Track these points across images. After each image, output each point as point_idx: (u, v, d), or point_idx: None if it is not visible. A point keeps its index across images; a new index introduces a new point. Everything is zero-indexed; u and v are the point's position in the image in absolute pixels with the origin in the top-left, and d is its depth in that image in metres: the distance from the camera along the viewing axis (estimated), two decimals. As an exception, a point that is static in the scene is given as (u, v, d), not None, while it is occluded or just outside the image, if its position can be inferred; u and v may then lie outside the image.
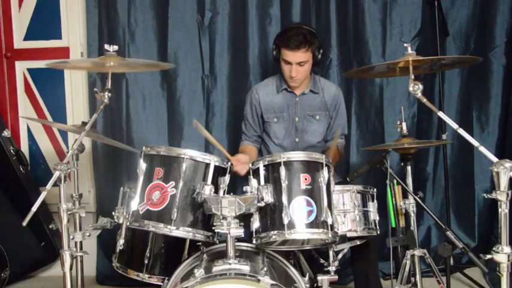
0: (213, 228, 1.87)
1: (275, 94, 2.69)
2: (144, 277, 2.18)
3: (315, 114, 2.69)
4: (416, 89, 1.79)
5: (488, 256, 1.67)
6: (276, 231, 1.89)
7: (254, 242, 1.96)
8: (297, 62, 2.50)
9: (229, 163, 2.07)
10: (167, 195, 1.93)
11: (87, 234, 2.18)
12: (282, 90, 2.68)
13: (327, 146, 2.73)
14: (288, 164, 1.94)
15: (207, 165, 1.98)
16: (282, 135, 2.70)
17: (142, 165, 1.98)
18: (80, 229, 2.23)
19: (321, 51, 2.56)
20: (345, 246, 2.23)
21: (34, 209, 1.71)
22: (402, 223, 2.25)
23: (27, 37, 3.28)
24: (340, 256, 2.15)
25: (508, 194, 1.58)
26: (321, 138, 2.73)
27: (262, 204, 1.89)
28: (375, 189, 2.22)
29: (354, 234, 2.11)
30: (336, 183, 2.12)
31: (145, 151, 2.02)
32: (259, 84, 2.79)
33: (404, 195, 2.20)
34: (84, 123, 2.23)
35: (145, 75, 3.16)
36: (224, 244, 1.86)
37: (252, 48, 3.10)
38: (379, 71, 2.25)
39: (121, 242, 2.00)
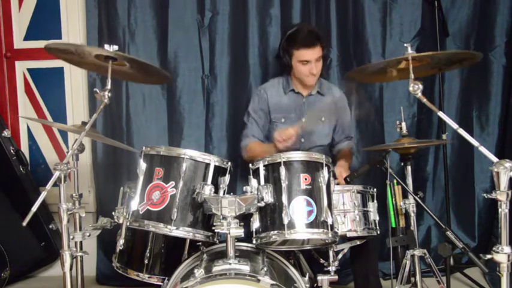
0: (213, 228, 1.87)
1: (282, 95, 2.70)
2: (144, 277, 2.17)
3: (321, 116, 2.68)
4: (416, 88, 1.79)
5: (488, 256, 1.67)
6: (276, 231, 1.89)
7: (254, 242, 1.96)
8: (316, 58, 2.53)
9: (229, 163, 2.07)
10: (167, 195, 1.93)
11: (87, 234, 2.17)
12: (289, 92, 2.69)
13: (337, 149, 2.74)
14: (288, 164, 1.94)
15: (207, 165, 1.99)
16: None
17: (142, 165, 1.99)
18: (80, 229, 2.23)
19: (328, 48, 2.62)
20: (345, 246, 2.24)
21: (34, 209, 1.70)
22: (402, 223, 2.25)
23: (27, 37, 3.28)
24: (340, 256, 2.15)
25: (508, 194, 1.59)
26: (326, 140, 2.72)
27: (262, 204, 1.89)
28: (375, 189, 2.23)
29: (354, 234, 2.12)
30: (336, 184, 2.13)
31: (145, 151, 2.02)
32: (266, 85, 2.78)
33: (404, 195, 2.20)
34: (84, 123, 2.22)
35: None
36: (224, 244, 1.86)
37: (252, 49, 3.10)
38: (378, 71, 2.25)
39: (121, 242, 2.01)
